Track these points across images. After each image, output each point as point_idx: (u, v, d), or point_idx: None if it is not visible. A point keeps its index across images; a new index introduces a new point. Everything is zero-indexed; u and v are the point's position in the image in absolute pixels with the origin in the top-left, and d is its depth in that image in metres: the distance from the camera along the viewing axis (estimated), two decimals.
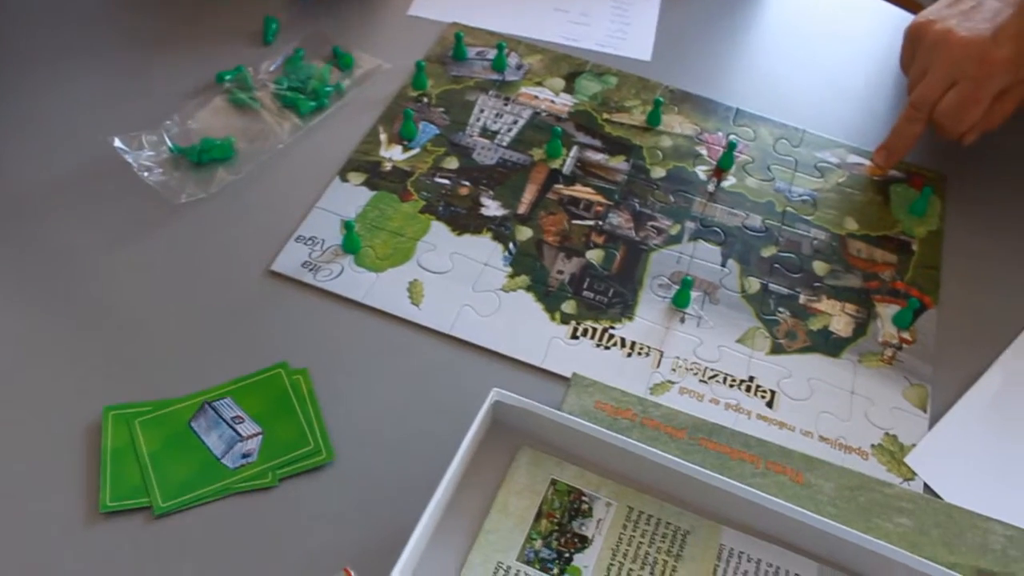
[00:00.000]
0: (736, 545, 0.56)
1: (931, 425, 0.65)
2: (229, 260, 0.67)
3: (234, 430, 0.60)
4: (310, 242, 0.68)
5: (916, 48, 0.76)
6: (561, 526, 0.55)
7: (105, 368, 0.62)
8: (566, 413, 0.59)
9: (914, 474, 0.62)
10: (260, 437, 0.60)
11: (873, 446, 0.63)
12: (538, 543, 0.55)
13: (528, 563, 0.54)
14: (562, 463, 0.58)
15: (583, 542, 0.55)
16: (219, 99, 0.75)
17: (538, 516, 0.56)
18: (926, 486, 0.62)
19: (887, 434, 0.64)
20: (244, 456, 0.59)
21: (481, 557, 0.54)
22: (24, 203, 0.69)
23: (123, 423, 0.60)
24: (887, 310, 0.70)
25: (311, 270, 0.67)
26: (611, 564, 0.54)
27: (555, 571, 0.54)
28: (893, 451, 0.63)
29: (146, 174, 0.69)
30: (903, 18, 0.89)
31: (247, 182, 0.72)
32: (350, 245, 0.68)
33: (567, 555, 0.54)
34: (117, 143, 0.70)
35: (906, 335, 0.69)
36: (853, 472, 0.60)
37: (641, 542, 0.55)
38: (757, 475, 0.59)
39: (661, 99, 0.78)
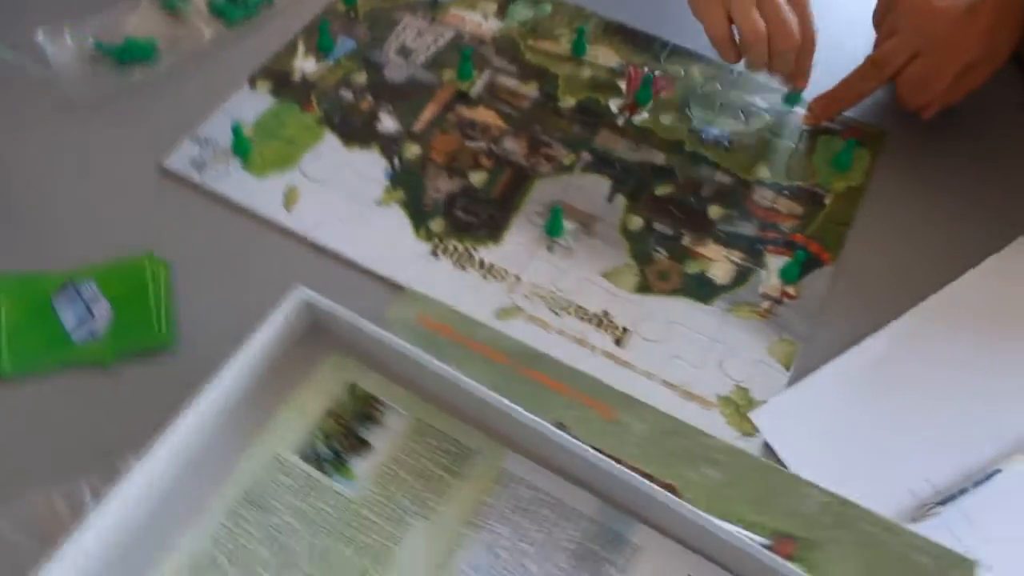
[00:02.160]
0: (519, 471, 0.55)
1: (790, 384, 0.62)
2: (127, 154, 0.70)
3: (88, 309, 0.63)
4: (204, 143, 0.70)
5: (891, 6, 0.72)
6: (347, 429, 0.56)
7: None
8: (391, 323, 0.60)
9: (756, 430, 0.59)
10: (109, 318, 0.63)
11: (719, 397, 0.60)
12: (320, 441, 0.56)
13: (306, 459, 0.55)
14: (366, 370, 0.58)
15: (364, 446, 0.55)
16: (148, 1, 0.77)
17: (327, 416, 0.56)
18: (766, 444, 0.59)
19: (739, 387, 0.61)
20: (91, 333, 0.62)
21: (261, 449, 0.55)
22: None
23: None
24: (777, 262, 0.66)
25: (198, 169, 0.69)
26: (386, 471, 0.55)
27: (329, 471, 0.55)
28: (739, 404, 0.60)
29: (65, 67, 0.73)
30: None
31: (162, 83, 0.74)
32: (239, 148, 0.70)
33: (344, 457, 0.55)
34: (40, 36, 0.73)
35: (790, 290, 0.65)
36: (671, 417, 0.58)
37: (422, 455, 0.55)
38: (569, 407, 0.58)
39: (584, 28, 0.76)
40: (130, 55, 0.74)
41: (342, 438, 0.56)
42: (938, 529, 0.57)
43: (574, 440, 0.53)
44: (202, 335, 0.62)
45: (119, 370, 0.61)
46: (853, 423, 0.60)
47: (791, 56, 0.69)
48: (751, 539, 0.53)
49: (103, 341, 0.62)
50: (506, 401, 0.54)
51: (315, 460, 0.55)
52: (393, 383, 0.58)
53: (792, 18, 0.67)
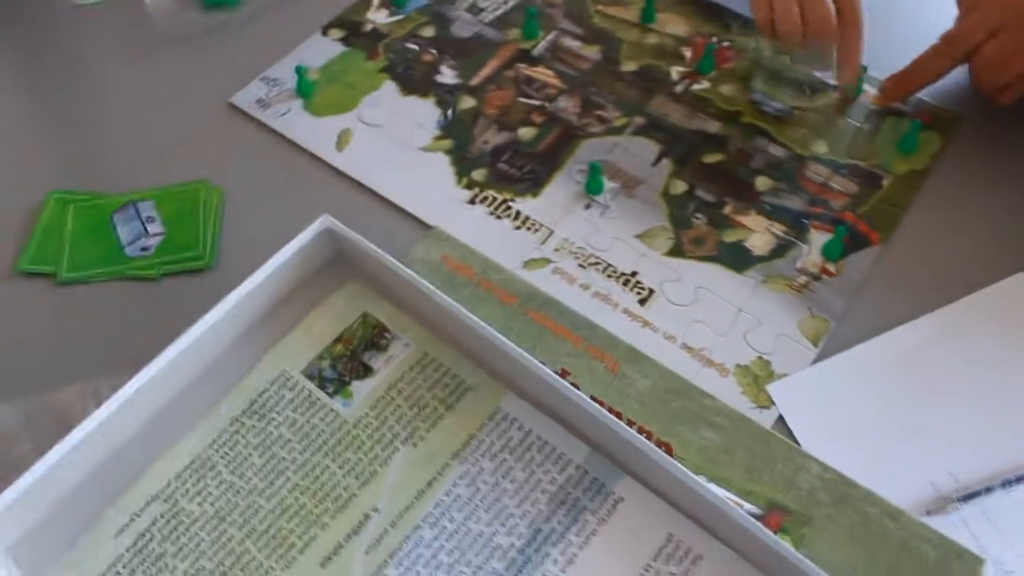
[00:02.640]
0: (513, 411, 0.55)
1: (816, 361, 0.60)
2: (200, 89, 0.74)
3: (144, 227, 0.67)
4: (272, 83, 0.74)
5: None
6: (353, 353, 0.57)
7: (65, 160, 0.71)
8: (415, 260, 0.61)
9: (771, 403, 0.58)
10: (161, 237, 0.67)
11: (738, 366, 0.59)
12: (326, 363, 0.57)
13: (310, 378, 0.57)
14: (381, 300, 0.59)
15: (367, 371, 0.57)
16: None
17: (337, 340, 0.58)
18: (780, 419, 0.57)
19: (760, 358, 0.59)
20: (143, 249, 0.66)
21: (271, 363, 0.57)
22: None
23: (62, 205, 0.69)
24: (821, 238, 0.64)
25: (263, 107, 0.72)
26: (383, 396, 0.56)
27: (330, 390, 0.56)
28: (758, 375, 0.58)
29: (157, 4, 0.77)
30: None
31: (242, 27, 0.78)
32: (302, 89, 0.72)
33: (347, 379, 0.56)
34: None
35: (831, 267, 0.63)
36: (675, 376, 0.57)
37: (421, 385, 0.56)
38: (573, 355, 0.58)
39: None
40: (218, 1, 0.78)
41: (348, 362, 0.57)
42: (955, 525, 0.53)
43: (570, 386, 0.53)
44: (243, 258, 0.64)
45: (164, 284, 0.64)
46: (877, 408, 0.58)
47: (830, 45, 0.67)
48: (739, 505, 0.51)
49: (153, 257, 0.66)
50: (508, 341, 0.54)
51: (319, 380, 0.56)
52: (404, 314, 0.59)
53: (831, 8, 0.66)
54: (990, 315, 0.61)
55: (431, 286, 0.56)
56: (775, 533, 0.50)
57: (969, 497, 0.54)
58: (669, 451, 0.54)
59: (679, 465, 0.50)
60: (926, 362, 0.59)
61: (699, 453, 0.54)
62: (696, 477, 0.50)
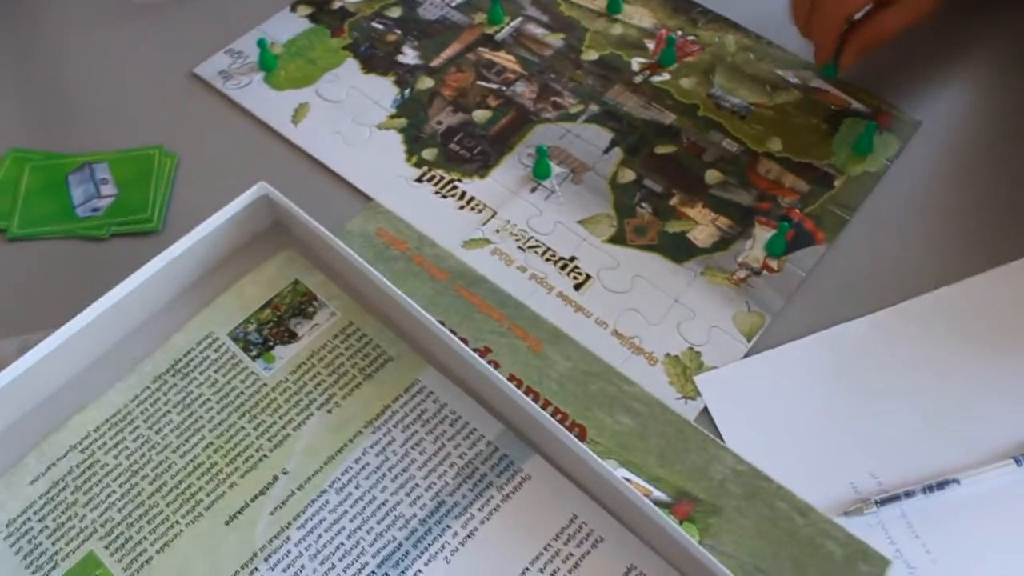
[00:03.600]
0: (431, 384, 0.55)
1: (747, 355, 0.59)
2: (165, 59, 0.75)
3: (96, 188, 0.68)
4: (236, 55, 0.74)
5: None
6: (280, 319, 0.58)
7: (27, 120, 0.72)
8: (350, 232, 0.61)
9: (698, 394, 0.57)
10: (113, 199, 0.67)
11: (668, 355, 0.59)
12: (252, 327, 0.57)
13: (236, 340, 0.57)
14: (312, 269, 0.60)
15: (292, 337, 0.57)
16: None
17: (266, 306, 0.58)
18: (705, 411, 0.57)
19: (691, 349, 0.59)
20: (94, 210, 0.67)
21: (199, 324, 0.58)
22: None
23: (19, 163, 0.70)
24: (766, 234, 0.64)
25: (225, 78, 0.73)
26: (304, 362, 0.56)
27: (253, 354, 0.56)
28: (687, 366, 0.58)
29: None
30: None
31: (214, 0, 0.79)
32: (264, 63, 0.73)
33: (271, 344, 0.57)
34: None
35: (773, 263, 0.62)
36: (596, 359, 0.57)
37: (342, 353, 0.56)
38: (496, 332, 0.58)
39: None
40: None
41: (274, 327, 0.57)
42: (872, 528, 0.53)
43: (486, 364, 0.52)
44: (190, 223, 0.65)
45: (112, 244, 0.65)
46: (804, 406, 0.57)
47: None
48: (648, 492, 0.51)
49: (102, 218, 0.66)
50: (428, 315, 0.54)
51: (244, 343, 0.57)
52: (333, 284, 0.59)
53: None
54: (925, 321, 0.60)
55: (358, 257, 0.56)
56: (682, 521, 0.50)
57: (887, 501, 0.53)
58: (583, 433, 0.54)
59: (586, 448, 0.50)
60: (856, 364, 0.59)
61: (613, 437, 0.54)
62: (604, 461, 0.50)
